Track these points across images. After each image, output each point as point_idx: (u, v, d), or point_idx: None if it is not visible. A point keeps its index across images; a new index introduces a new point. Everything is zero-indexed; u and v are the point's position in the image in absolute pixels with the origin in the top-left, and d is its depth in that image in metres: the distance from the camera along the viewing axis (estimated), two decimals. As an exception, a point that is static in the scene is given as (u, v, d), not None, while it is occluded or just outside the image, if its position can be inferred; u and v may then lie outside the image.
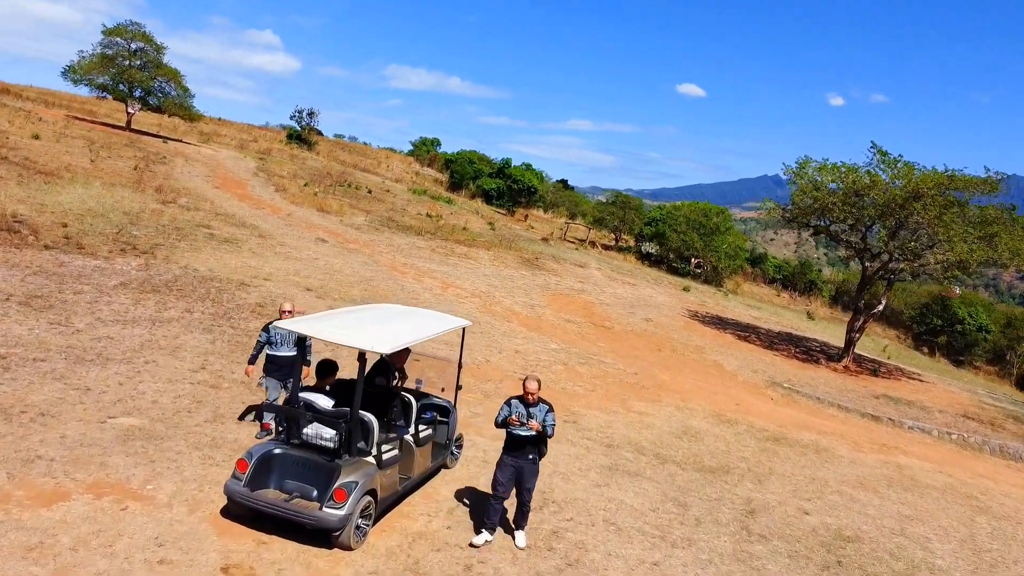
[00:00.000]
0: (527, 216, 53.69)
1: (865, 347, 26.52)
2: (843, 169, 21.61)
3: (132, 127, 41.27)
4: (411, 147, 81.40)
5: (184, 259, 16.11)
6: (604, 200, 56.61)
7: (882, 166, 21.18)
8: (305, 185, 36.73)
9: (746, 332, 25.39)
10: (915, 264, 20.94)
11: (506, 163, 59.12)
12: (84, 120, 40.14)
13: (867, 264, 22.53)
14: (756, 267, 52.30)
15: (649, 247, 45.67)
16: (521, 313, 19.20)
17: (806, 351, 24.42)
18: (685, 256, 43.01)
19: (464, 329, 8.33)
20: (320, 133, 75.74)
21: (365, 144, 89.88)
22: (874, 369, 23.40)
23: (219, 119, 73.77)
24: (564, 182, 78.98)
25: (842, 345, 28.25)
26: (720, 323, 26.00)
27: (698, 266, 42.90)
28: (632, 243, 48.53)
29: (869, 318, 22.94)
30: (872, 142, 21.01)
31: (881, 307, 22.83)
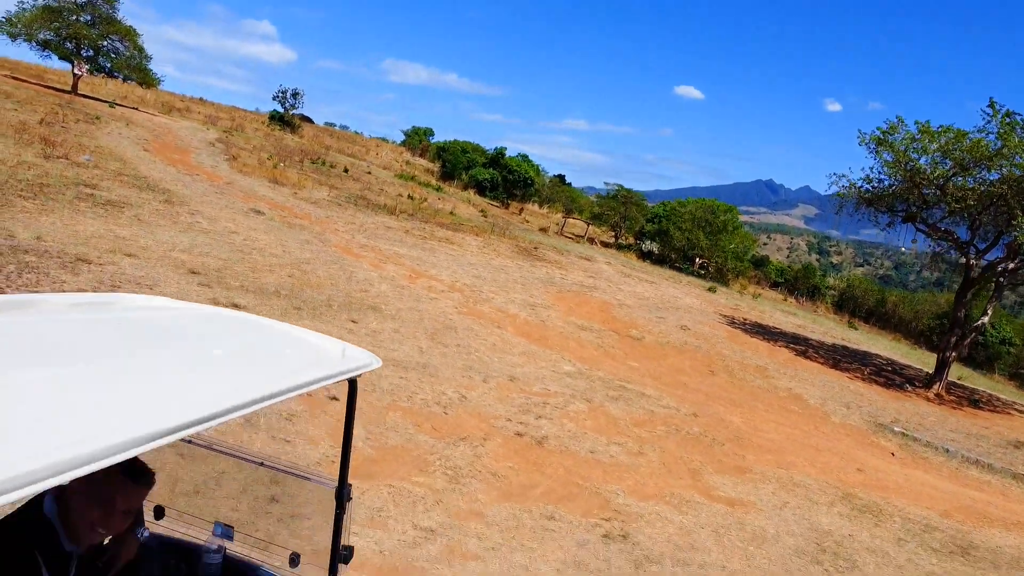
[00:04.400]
0: (522, 209, 48.65)
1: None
2: (951, 135, 16.14)
3: (81, 92, 35.46)
4: (404, 137, 76.09)
5: (7, 222, 10.54)
6: (605, 194, 51.52)
7: (1002, 129, 15.73)
8: (268, 158, 31.09)
9: (800, 345, 19.97)
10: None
11: (500, 152, 53.89)
12: (21, 80, 34.33)
13: (972, 262, 17.10)
14: (759, 270, 48.02)
15: (651, 245, 40.77)
16: (518, 316, 13.68)
17: (879, 371, 19.02)
18: (689, 256, 38.32)
19: (352, 381, 2.63)
20: (309, 120, 69.96)
21: (356, 133, 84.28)
22: (973, 399, 18.03)
23: (200, 99, 67.93)
24: (561, 177, 74.28)
25: (911, 363, 23.01)
26: (766, 333, 20.56)
27: (702, 267, 38.38)
28: (632, 241, 43.84)
29: (971, 334, 17.50)
30: (991, 99, 15.53)
31: (986, 319, 17.44)
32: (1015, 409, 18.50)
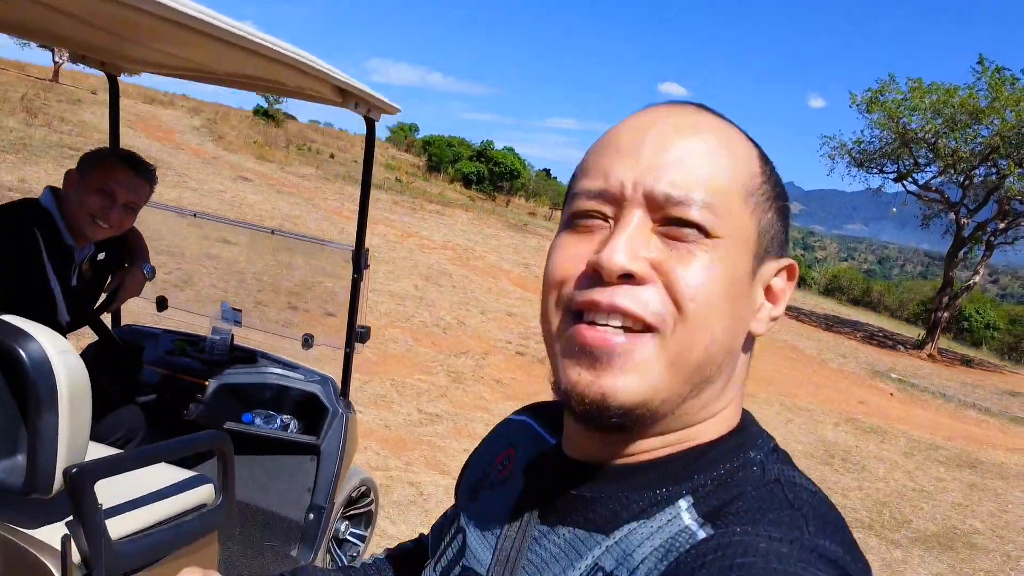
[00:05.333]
0: (508, 202, 48.24)
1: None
2: (942, 92, 16.15)
3: (62, 82, 34.65)
4: (389, 133, 75.43)
5: (-10, 168, 10.33)
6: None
7: (992, 82, 15.75)
8: (254, 142, 30.74)
9: (791, 312, 19.96)
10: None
11: (487, 145, 53.52)
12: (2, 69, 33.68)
13: (964, 221, 17.15)
14: (742, 260, 47.80)
15: None
16: (512, 272, 13.57)
17: (871, 336, 19.06)
18: None
19: (371, 122, 2.43)
20: (293, 118, 69.17)
21: (342, 130, 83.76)
22: (965, 360, 18.10)
23: (183, 95, 67.14)
24: (547, 171, 73.84)
25: (901, 332, 23.09)
26: (758, 301, 20.52)
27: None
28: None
29: (963, 293, 17.56)
30: (980, 55, 15.57)
31: (978, 278, 17.48)
32: (1007, 370, 18.59)
